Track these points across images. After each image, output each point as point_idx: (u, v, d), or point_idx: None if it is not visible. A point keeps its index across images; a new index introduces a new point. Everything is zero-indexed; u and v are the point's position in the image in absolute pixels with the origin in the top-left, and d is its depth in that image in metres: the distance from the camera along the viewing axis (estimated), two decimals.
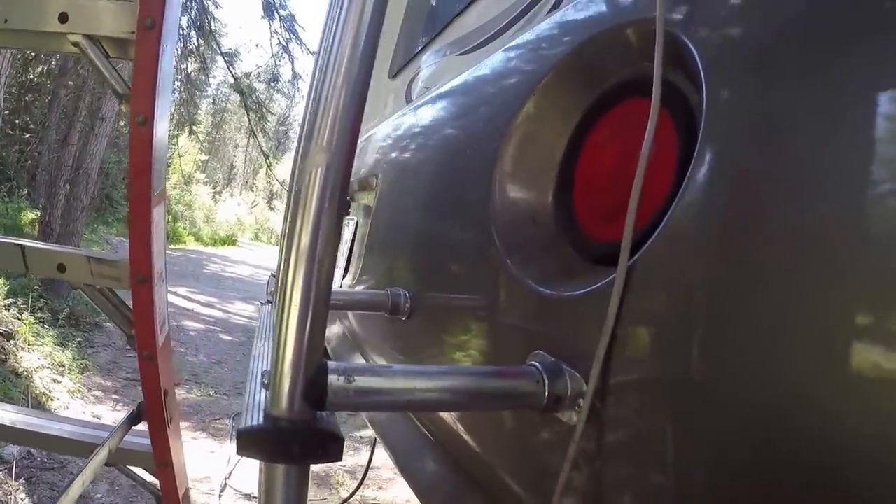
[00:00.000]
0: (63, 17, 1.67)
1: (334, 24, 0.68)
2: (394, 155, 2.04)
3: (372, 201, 2.09)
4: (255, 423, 0.66)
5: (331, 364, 0.70)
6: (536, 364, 0.84)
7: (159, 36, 1.61)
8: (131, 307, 1.76)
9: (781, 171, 0.61)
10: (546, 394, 0.80)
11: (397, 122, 2.15)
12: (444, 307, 1.34)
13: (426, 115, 1.81)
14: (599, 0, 1.06)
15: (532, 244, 1.07)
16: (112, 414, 5.75)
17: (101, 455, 1.74)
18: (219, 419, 6.27)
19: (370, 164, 2.31)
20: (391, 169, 2.01)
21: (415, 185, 1.69)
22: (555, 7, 1.24)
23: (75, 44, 1.69)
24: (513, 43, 1.34)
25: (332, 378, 0.69)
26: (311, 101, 0.66)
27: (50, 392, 5.67)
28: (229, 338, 9.96)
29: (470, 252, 1.24)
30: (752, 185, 0.64)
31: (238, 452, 0.65)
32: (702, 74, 0.74)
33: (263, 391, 0.74)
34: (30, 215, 12.69)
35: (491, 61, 1.44)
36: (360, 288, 2.02)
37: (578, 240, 1.03)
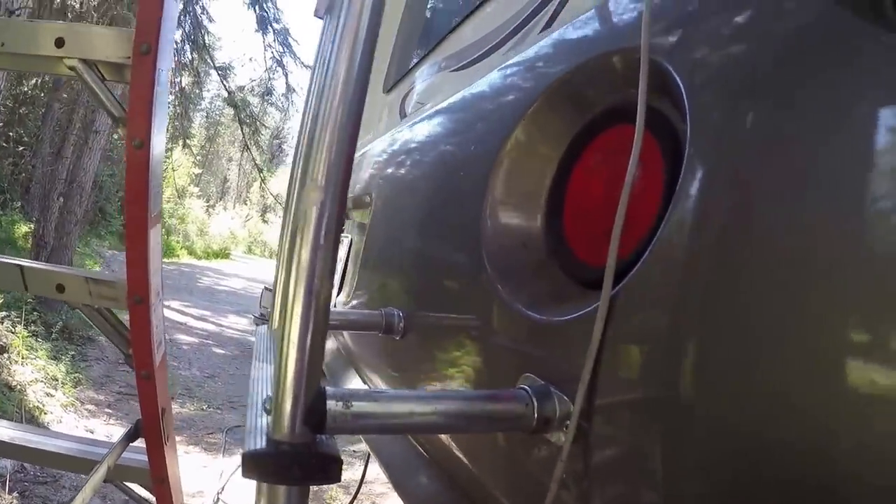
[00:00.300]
0: (59, 42, 1.69)
1: (325, 69, 0.71)
2: (387, 175, 2.06)
3: (366, 219, 2.11)
4: (258, 446, 0.70)
5: (329, 389, 0.73)
6: (526, 387, 0.86)
7: (155, 61, 1.64)
8: (129, 327, 1.78)
9: (766, 196, 0.63)
10: (535, 416, 0.82)
11: (391, 141, 2.16)
12: (437, 328, 1.35)
13: (418, 136, 1.83)
14: (588, 27, 1.08)
15: (523, 269, 1.09)
16: (105, 428, 5.74)
17: (101, 472, 1.76)
18: (212, 433, 6.27)
19: (364, 182, 2.32)
20: (385, 189, 2.02)
21: (408, 206, 1.71)
22: (547, 26, 1.26)
23: (72, 68, 1.71)
24: (503, 66, 1.36)
25: (330, 403, 0.72)
26: (305, 138, 0.69)
27: (43, 406, 5.66)
28: (222, 351, 9.94)
29: (462, 275, 1.26)
30: (736, 210, 0.66)
31: (244, 475, 0.68)
32: (686, 102, 0.76)
33: (265, 415, 0.77)
34: (23, 228, 12.66)
35: (482, 84, 1.46)
36: (354, 302, 2.04)
37: (568, 264, 1.04)
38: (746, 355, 0.61)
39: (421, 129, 1.83)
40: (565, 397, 0.83)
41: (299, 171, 0.71)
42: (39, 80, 14.26)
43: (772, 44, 0.69)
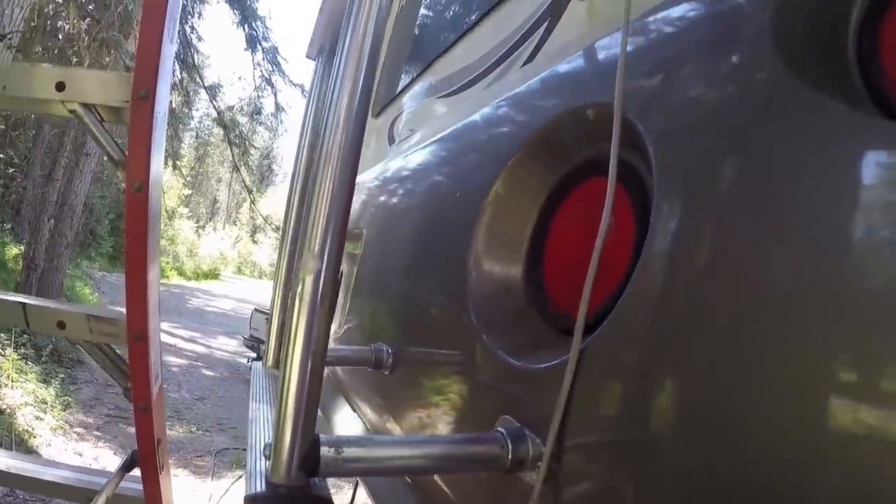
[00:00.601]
0: (60, 86, 1.74)
1: (321, 143, 0.79)
2: (377, 210, 2.10)
3: (356, 250, 2.15)
4: (258, 489, 0.77)
5: (322, 437, 0.80)
6: (502, 430, 0.92)
7: (153, 105, 1.68)
8: (127, 361, 1.83)
9: (729, 247, 0.67)
10: (510, 457, 0.89)
11: (381, 172, 2.21)
12: (424, 367, 1.39)
13: (407, 174, 1.88)
14: (567, 76, 1.13)
15: (504, 315, 1.14)
16: (93, 451, 5.75)
17: (100, 503, 1.81)
18: (200, 456, 6.27)
19: (355, 213, 2.32)
20: (375, 224, 2.07)
21: (397, 245, 1.76)
22: (530, 59, 1.31)
23: (72, 111, 1.77)
24: (489, 107, 1.40)
25: (323, 450, 0.79)
26: (297, 198, 0.75)
27: (33, 430, 5.67)
28: (212, 373, 9.93)
29: (448, 317, 1.30)
30: (700, 262, 0.71)
31: None
32: (653, 158, 0.81)
33: (264, 459, 0.85)
34: (14, 250, 12.64)
35: (466, 127, 1.51)
36: (344, 329, 2.08)
37: (547, 313, 1.09)
38: (710, 402, 0.65)
39: (410, 166, 1.88)
40: (538, 439, 0.89)
41: (289, 240, 0.79)
42: None
43: (735, 106, 0.73)
